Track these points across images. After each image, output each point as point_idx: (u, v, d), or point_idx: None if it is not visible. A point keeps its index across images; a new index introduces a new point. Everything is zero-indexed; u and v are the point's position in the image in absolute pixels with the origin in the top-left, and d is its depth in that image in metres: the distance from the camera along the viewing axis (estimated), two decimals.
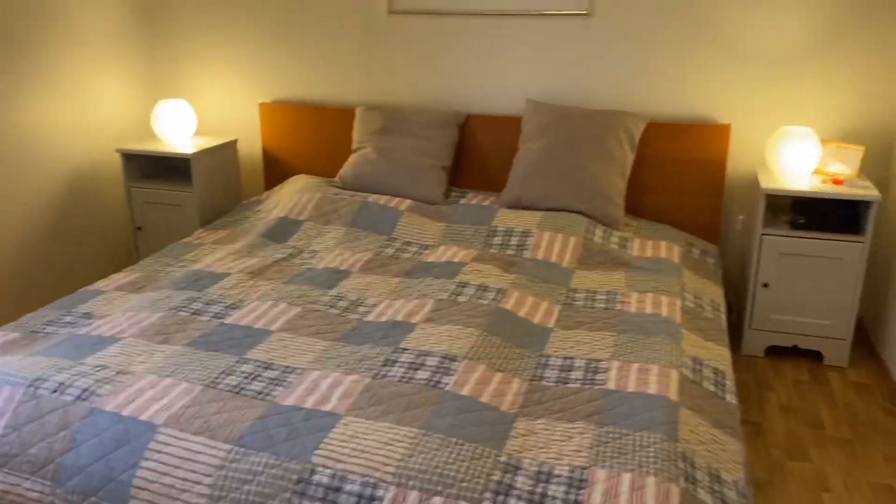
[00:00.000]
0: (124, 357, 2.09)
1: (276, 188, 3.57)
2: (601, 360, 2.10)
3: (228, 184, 3.70)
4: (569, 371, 2.06)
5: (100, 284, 2.65)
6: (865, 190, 2.82)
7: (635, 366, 2.06)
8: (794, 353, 3.08)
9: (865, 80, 3.03)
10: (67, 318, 2.38)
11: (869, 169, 3.11)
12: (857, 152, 2.94)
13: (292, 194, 3.32)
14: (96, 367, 2.03)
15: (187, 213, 3.51)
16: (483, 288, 2.50)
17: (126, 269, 2.79)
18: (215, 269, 2.70)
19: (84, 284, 3.56)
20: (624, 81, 3.29)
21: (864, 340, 3.17)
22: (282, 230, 3.08)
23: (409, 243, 2.99)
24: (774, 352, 3.09)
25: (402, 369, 2.00)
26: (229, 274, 2.66)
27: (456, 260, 2.78)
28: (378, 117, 3.46)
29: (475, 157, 3.49)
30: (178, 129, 3.55)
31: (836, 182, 2.90)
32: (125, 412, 1.84)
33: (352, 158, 3.44)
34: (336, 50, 3.61)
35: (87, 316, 2.39)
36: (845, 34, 3.00)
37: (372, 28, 3.53)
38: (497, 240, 2.94)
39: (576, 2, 3.26)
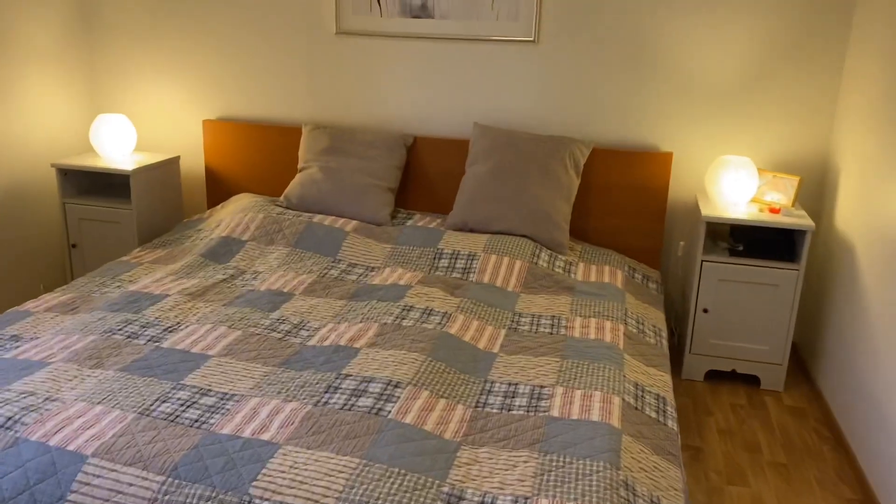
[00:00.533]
0: (53, 383, 2.00)
1: (218, 206, 3.50)
2: (545, 387, 2.10)
3: (169, 201, 3.61)
4: (513, 397, 2.06)
5: (29, 305, 2.54)
6: (800, 219, 2.92)
7: (579, 392, 2.07)
8: (732, 377, 3.14)
9: (799, 113, 3.13)
10: None
11: (803, 198, 3.22)
12: (792, 182, 3.03)
13: (235, 213, 3.26)
14: (22, 393, 1.93)
15: (125, 231, 3.40)
16: (428, 312, 2.48)
17: (58, 289, 2.68)
18: (153, 290, 2.62)
19: (14, 304, 3.42)
20: (569, 108, 3.34)
21: (800, 365, 3.26)
22: (223, 250, 3.01)
23: (354, 265, 2.96)
24: (713, 376, 3.15)
25: (345, 396, 1.96)
26: (167, 295, 2.58)
27: (401, 283, 2.76)
28: (325, 137, 3.43)
29: (422, 178, 3.48)
30: (117, 144, 3.45)
31: (773, 211, 2.98)
32: (52, 442, 1.75)
33: (297, 178, 3.39)
34: (283, 68, 3.57)
35: (15, 338, 2.29)
36: (781, 69, 3.10)
37: (319, 47, 3.51)
38: (443, 262, 2.93)
39: (523, 29, 3.29)
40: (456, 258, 2.94)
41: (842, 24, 3.01)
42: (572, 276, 2.94)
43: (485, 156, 3.23)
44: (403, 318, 2.42)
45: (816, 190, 3.21)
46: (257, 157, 3.61)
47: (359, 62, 3.49)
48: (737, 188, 2.98)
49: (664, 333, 2.68)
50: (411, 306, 2.52)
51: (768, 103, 3.15)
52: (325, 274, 2.87)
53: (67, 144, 3.66)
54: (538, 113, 3.38)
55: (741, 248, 3.03)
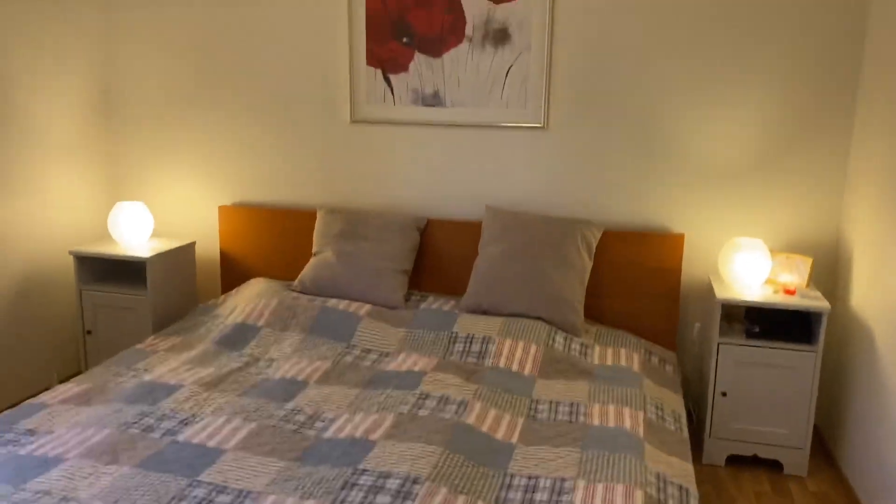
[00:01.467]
0: (68, 481, 1.98)
1: (233, 291, 3.52)
2: (566, 479, 2.07)
3: (184, 287, 3.64)
4: (534, 492, 2.02)
5: (45, 397, 2.53)
6: (816, 301, 2.91)
7: (601, 486, 2.02)
8: (754, 462, 3.07)
9: (809, 194, 3.17)
10: (9, 436, 2.25)
11: (817, 278, 3.22)
12: (805, 262, 3.04)
13: (250, 298, 3.27)
14: (38, 492, 1.91)
15: (140, 317, 3.42)
16: (445, 400, 2.46)
17: (74, 380, 2.68)
18: (168, 380, 2.62)
19: (28, 390, 3.41)
20: (580, 190, 3.38)
21: (823, 449, 3.19)
22: (238, 337, 3.02)
23: (368, 350, 2.95)
24: (735, 460, 3.08)
25: (362, 493, 1.93)
26: (183, 385, 2.58)
27: (416, 369, 2.74)
28: (339, 220, 3.47)
29: (435, 260, 3.51)
30: (135, 230, 3.51)
31: (788, 292, 2.98)
32: None
33: (312, 262, 3.42)
34: (298, 154, 3.65)
35: (30, 433, 2.27)
36: (789, 151, 3.15)
37: (334, 135, 3.59)
38: (458, 347, 2.92)
39: (532, 115, 3.37)
40: (471, 342, 2.93)
41: (846, 106, 3.07)
42: (589, 359, 2.93)
43: (497, 238, 3.26)
44: (420, 408, 2.40)
45: (830, 270, 3.21)
46: (272, 242, 3.66)
47: (373, 148, 3.57)
48: (750, 270, 2.98)
49: (683, 419, 2.64)
50: (427, 394, 2.50)
51: (778, 185, 3.18)
52: (340, 360, 2.86)
53: (85, 231, 3.72)
54: (549, 196, 3.42)
55: (757, 329, 3.01)
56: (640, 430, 2.36)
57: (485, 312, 3.16)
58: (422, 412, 2.37)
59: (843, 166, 3.12)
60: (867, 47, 2.97)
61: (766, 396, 2.96)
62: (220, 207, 3.70)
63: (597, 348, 3.02)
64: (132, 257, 3.38)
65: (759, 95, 3.13)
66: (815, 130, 3.12)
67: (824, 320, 2.86)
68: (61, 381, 3.61)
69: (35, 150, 3.38)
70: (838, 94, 3.07)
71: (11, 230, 3.30)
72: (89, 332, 3.49)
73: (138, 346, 3.03)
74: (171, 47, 3.69)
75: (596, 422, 2.41)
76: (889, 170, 2.68)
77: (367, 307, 3.19)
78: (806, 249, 3.21)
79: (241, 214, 3.68)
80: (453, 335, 2.98)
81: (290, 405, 2.47)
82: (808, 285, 3.04)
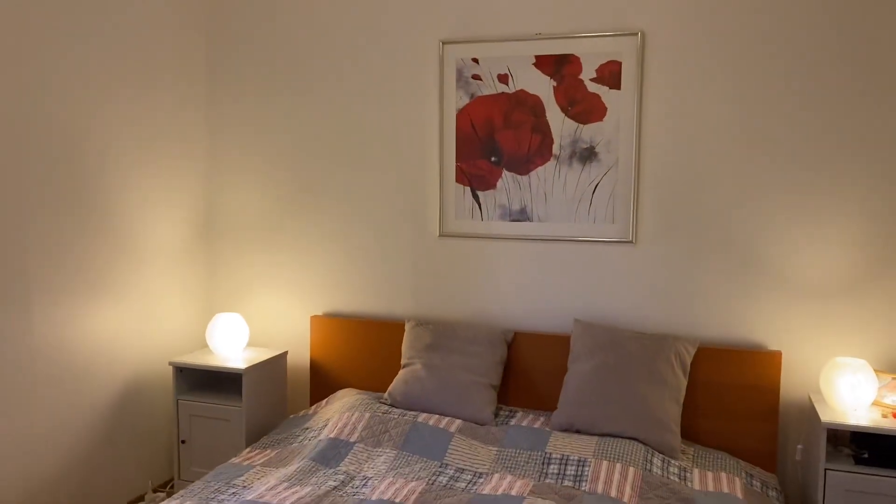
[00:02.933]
0: None
1: (323, 402, 3.57)
2: None
3: (276, 397, 3.71)
4: None
5: None
6: None
7: None
8: None
9: None
10: None
11: None
12: None
13: (342, 412, 3.31)
14: None
15: (234, 428, 3.49)
16: None
17: (176, 496, 2.73)
18: (269, 500, 2.64)
19: (124, 496, 3.48)
20: (671, 306, 3.37)
21: None
22: (332, 453, 3.04)
23: (461, 470, 2.93)
24: None
25: None
26: None
27: (513, 493, 2.71)
28: (427, 333, 3.52)
29: (523, 374, 3.50)
30: (230, 341, 3.63)
31: None
32: None
33: (401, 374, 3.46)
34: (388, 267, 3.76)
35: None
36: (885, 269, 3.09)
37: (423, 248, 3.69)
38: (553, 468, 2.88)
39: (620, 231, 3.41)
40: (566, 464, 2.88)
41: None
42: (689, 484, 2.84)
43: (588, 353, 3.25)
44: None
45: None
46: (361, 353, 3.72)
47: (460, 261, 3.65)
48: (856, 392, 2.89)
49: None
50: None
51: (880, 302, 3.11)
52: (434, 480, 2.85)
53: (184, 341, 3.86)
54: (639, 310, 3.42)
55: (865, 454, 2.89)
56: None
57: (577, 431, 3.12)
58: None
59: None
60: None
61: None
62: (311, 317, 3.81)
63: (696, 472, 2.93)
64: (230, 369, 3.48)
65: (848, 216, 3.11)
66: None
67: None
68: (155, 490, 3.69)
69: (142, 267, 3.57)
70: None
71: (118, 341, 3.45)
72: (184, 442, 3.57)
73: (234, 459, 3.08)
74: (270, 161, 3.90)
75: None
76: None
77: (458, 423, 3.19)
78: None
79: (332, 325, 3.77)
80: (546, 456, 2.95)
81: None
82: None
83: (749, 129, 3.21)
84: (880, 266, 3.10)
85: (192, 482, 2.85)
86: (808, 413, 3.13)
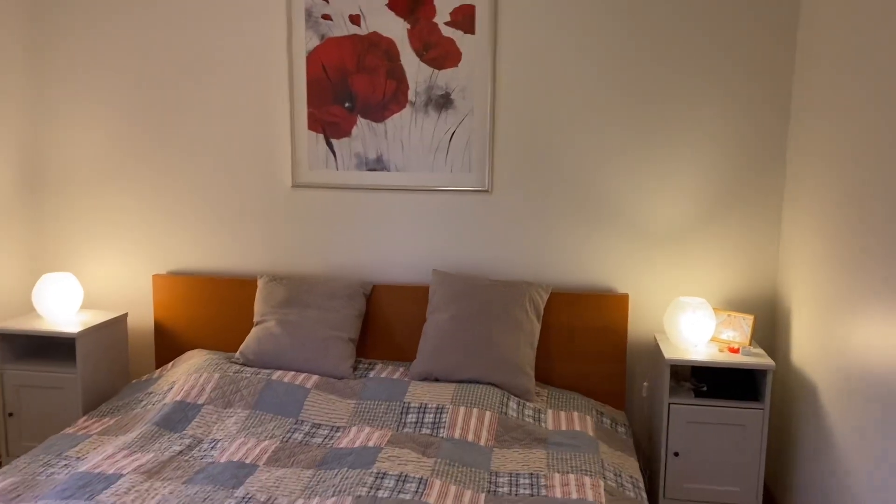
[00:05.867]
0: None
1: (168, 365, 3.35)
2: None
3: (116, 362, 3.45)
4: None
5: None
6: (761, 358, 2.97)
7: None
8: None
9: (746, 254, 3.27)
10: None
11: (758, 336, 3.30)
12: (747, 320, 3.12)
13: (189, 373, 3.12)
14: None
15: (69, 397, 3.21)
16: (403, 478, 2.38)
17: None
18: (105, 470, 2.44)
19: None
20: (526, 253, 3.40)
21: None
22: (178, 416, 2.86)
23: (318, 425, 2.84)
24: None
25: None
26: (122, 475, 2.40)
27: (370, 444, 2.65)
28: (281, 288, 3.37)
29: (383, 327, 3.44)
30: (62, 304, 3.32)
31: (733, 350, 3.04)
32: None
33: (254, 332, 3.30)
34: (237, 221, 3.55)
35: None
36: (725, 213, 3.25)
37: (275, 199, 3.51)
38: (411, 417, 2.84)
39: (476, 180, 3.39)
40: (424, 412, 2.86)
41: (777, 166, 3.20)
42: (543, 424, 2.90)
43: (446, 303, 3.23)
44: (378, 489, 2.30)
45: (769, 327, 3.30)
46: (210, 312, 3.52)
47: (315, 213, 3.50)
48: (696, 329, 3.04)
49: (641, 484, 2.63)
50: (384, 473, 2.41)
51: (716, 246, 3.28)
52: (289, 438, 2.74)
53: (6, 306, 3.49)
54: (496, 259, 3.43)
55: (705, 388, 3.06)
56: (602, 501, 2.34)
57: (436, 380, 3.11)
58: (381, 493, 2.28)
59: (776, 225, 3.24)
60: (793, 109, 3.12)
61: (717, 455, 2.99)
62: (153, 276, 3.55)
63: (549, 412, 3.00)
64: (60, 333, 3.19)
65: (693, 163, 3.24)
66: (748, 195, 3.23)
67: (770, 378, 2.93)
68: None
69: None
70: (769, 155, 3.20)
71: None
72: (11, 415, 3.25)
73: (68, 429, 2.83)
74: (102, 112, 3.56)
75: (558, 493, 2.37)
76: (819, 228, 2.79)
77: (315, 378, 3.09)
78: (746, 307, 3.30)
79: (177, 284, 3.53)
80: (405, 405, 2.91)
81: (239, 492, 2.33)
82: (750, 343, 3.12)
83: (605, 78, 3.25)
84: (714, 214, 3.26)
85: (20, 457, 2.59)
86: (654, 351, 3.28)
